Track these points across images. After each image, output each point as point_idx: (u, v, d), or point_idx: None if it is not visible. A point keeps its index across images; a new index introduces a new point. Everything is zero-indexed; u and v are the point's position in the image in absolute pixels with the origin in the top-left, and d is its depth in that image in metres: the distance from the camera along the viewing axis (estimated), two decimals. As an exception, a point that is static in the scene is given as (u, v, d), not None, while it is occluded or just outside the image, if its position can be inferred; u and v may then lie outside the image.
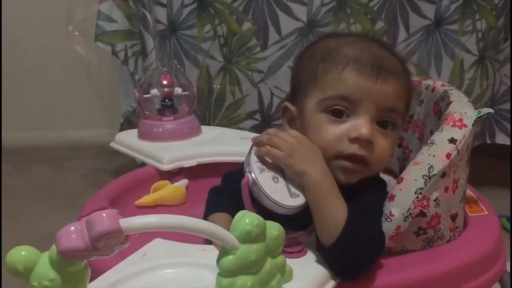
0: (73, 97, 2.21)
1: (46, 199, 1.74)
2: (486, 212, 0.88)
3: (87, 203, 0.93)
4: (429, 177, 0.72)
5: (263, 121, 1.65)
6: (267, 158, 0.70)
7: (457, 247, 0.77)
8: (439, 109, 0.86)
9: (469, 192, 0.93)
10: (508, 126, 1.73)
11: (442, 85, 0.90)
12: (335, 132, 0.71)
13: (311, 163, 0.67)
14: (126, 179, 1.07)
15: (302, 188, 0.68)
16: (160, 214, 0.50)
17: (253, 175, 0.67)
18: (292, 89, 0.80)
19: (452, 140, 0.74)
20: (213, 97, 1.61)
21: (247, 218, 0.54)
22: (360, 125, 0.70)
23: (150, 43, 1.52)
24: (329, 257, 0.65)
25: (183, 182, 1.10)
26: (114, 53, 1.57)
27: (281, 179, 0.69)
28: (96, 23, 1.55)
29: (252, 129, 1.60)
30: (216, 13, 1.53)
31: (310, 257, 0.67)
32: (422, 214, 0.72)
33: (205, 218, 0.80)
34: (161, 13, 1.54)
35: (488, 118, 1.73)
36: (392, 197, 0.73)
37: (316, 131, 0.72)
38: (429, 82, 0.93)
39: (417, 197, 0.72)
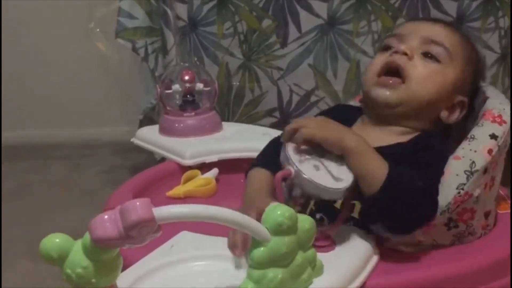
0: (91, 94, 2.22)
1: (65, 196, 1.74)
2: (515, 209, 0.87)
3: (113, 196, 0.92)
4: (471, 173, 0.70)
5: (282, 118, 1.64)
6: (303, 148, 0.68)
7: (487, 243, 0.75)
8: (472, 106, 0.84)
9: None
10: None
11: None
12: (380, 58, 0.80)
13: (344, 131, 0.69)
14: (148, 174, 1.07)
15: (341, 159, 0.67)
16: (192, 204, 0.50)
17: (295, 167, 0.64)
18: None
19: (493, 136, 0.73)
20: (232, 94, 1.61)
21: (278, 210, 0.53)
22: (399, 45, 0.79)
23: (171, 39, 1.51)
24: (374, 207, 0.66)
25: (214, 172, 1.10)
26: (135, 49, 1.57)
27: (321, 166, 0.67)
28: (117, 19, 1.54)
29: (271, 126, 1.59)
30: (236, 10, 1.53)
31: (339, 251, 0.66)
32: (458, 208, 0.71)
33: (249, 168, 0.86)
34: (182, 10, 1.54)
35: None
36: None
37: (369, 65, 0.82)
38: None
39: (459, 193, 0.70)
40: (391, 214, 0.65)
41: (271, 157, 0.78)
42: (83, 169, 2.00)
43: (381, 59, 0.79)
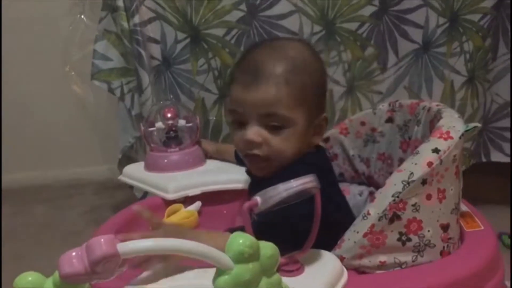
0: (71, 135, 2.25)
1: (49, 239, 1.74)
2: (482, 227, 0.90)
3: (96, 233, 0.94)
4: (408, 183, 0.76)
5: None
6: None
7: (451, 261, 0.78)
8: (433, 127, 0.88)
9: (466, 208, 0.95)
10: (502, 143, 1.75)
11: (437, 105, 0.94)
12: (237, 138, 0.87)
13: None
14: (132, 210, 1.08)
15: None
16: (157, 238, 0.52)
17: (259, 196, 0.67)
18: None
19: (436, 150, 0.78)
20: (210, 128, 1.63)
21: (240, 239, 0.55)
22: (247, 130, 0.84)
23: (146, 79, 1.54)
24: None
25: (197, 205, 1.12)
26: (111, 90, 1.60)
27: None
28: (92, 62, 1.58)
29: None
30: (209, 47, 1.57)
31: (308, 275, 0.68)
32: (396, 216, 0.76)
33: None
34: (155, 50, 1.57)
35: (482, 137, 1.76)
36: (372, 199, 0.78)
37: (232, 136, 0.92)
38: (426, 103, 0.98)
39: (394, 200, 0.76)
40: None
41: None
42: (66, 210, 2.01)
43: (238, 141, 0.87)
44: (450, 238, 0.80)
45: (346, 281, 0.70)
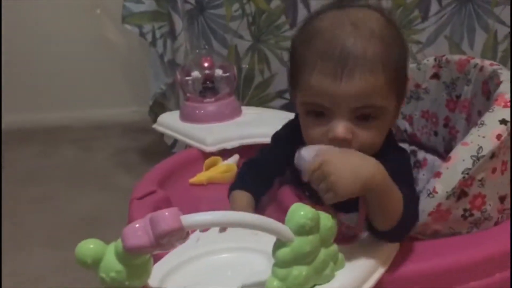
0: (97, 76, 2.24)
1: (77, 181, 1.76)
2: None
3: (138, 185, 0.93)
4: (478, 158, 0.72)
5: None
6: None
7: (506, 229, 0.76)
8: (488, 89, 0.84)
9: None
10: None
11: (491, 64, 0.88)
12: (318, 132, 0.70)
13: (370, 164, 0.62)
14: (171, 161, 1.08)
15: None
16: (219, 211, 0.51)
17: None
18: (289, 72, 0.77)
19: (503, 121, 0.73)
20: (242, 76, 1.61)
21: (302, 211, 0.54)
22: (334, 126, 0.68)
23: (179, 23, 1.51)
24: (385, 237, 0.67)
25: (235, 158, 1.11)
26: (142, 34, 1.57)
27: None
28: (123, 4, 1.54)
29: (282, 108, 1.60)
30: (244, -10, 1.52)
31: (361, 244, 0.67)
32: (463, 193, 0.73)
33: (229, 192, 0.81)
34: (189, -7, 1.53)
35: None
36: (438, 174, 0.73)
37: (304, 129, 0.73)
38: (477, 61, 0.91)
39: (464, 177, 0.72)
40: (398, 239, 0.68)
41: (249, 181, 0.81)
42: (93, 151, 2.02)
43: (319, 136, 0.70)
44: (505, 209, 0.78)
45: (397, 249, 0.69)
